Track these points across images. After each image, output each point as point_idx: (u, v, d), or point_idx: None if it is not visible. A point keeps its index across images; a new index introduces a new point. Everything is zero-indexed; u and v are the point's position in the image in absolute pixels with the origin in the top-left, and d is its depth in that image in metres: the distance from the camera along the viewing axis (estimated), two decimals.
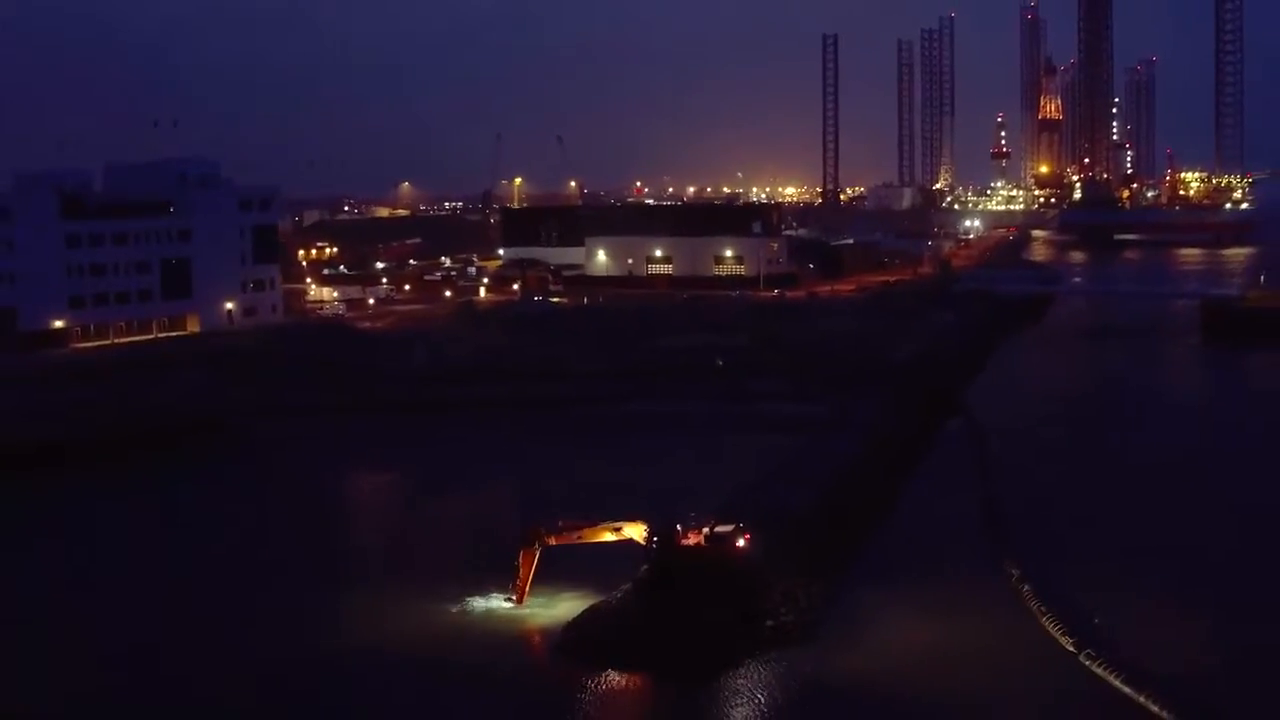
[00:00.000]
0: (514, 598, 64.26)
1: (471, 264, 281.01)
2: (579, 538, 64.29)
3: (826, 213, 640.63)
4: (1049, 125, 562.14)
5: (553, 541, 64.22)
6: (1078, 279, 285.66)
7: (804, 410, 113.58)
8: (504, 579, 66.61)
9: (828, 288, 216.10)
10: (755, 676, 58.29)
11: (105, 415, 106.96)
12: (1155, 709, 51.76)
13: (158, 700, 57.68)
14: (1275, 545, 79.56)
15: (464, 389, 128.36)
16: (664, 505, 68.45)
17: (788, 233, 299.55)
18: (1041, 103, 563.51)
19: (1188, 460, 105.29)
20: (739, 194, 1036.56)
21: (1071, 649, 58.04)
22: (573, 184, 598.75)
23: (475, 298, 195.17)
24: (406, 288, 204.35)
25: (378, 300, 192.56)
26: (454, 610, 65.35)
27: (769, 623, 61.31)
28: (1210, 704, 52.58)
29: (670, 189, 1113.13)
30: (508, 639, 62.31)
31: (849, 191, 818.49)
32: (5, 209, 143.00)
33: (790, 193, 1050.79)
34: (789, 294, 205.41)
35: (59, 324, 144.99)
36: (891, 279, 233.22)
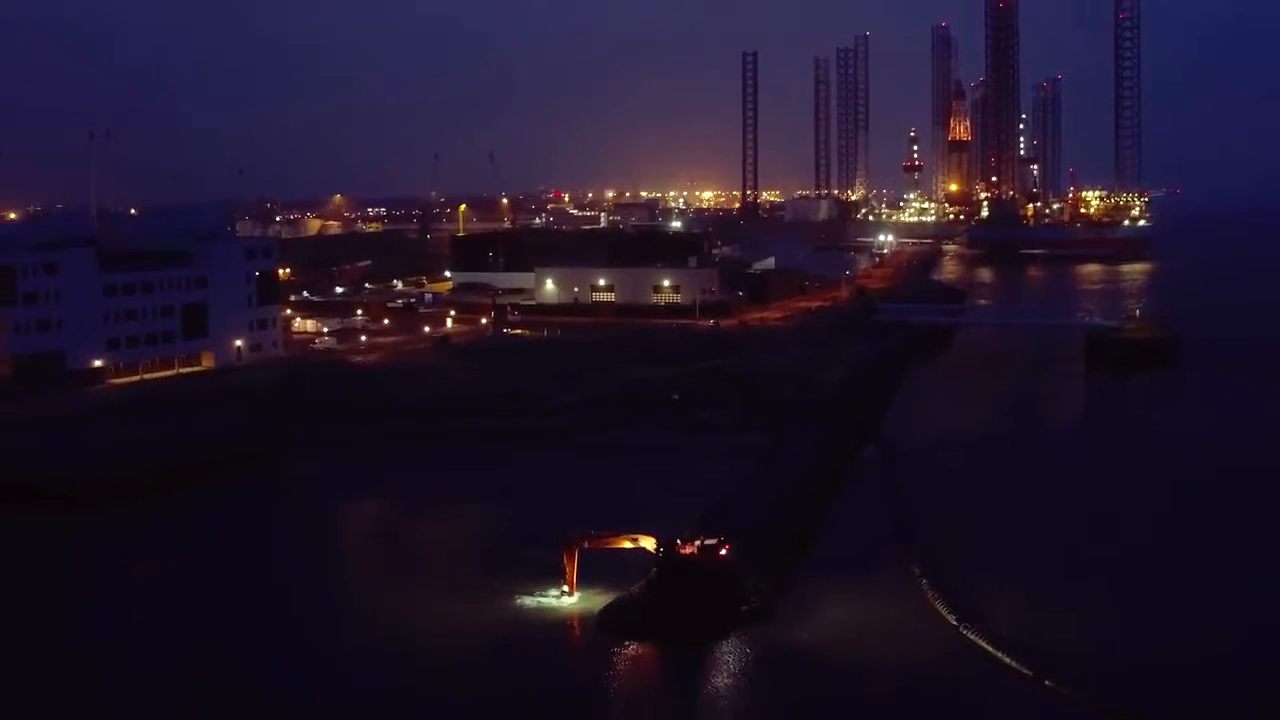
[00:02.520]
0: (567, 591, 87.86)
1: (423, 287, 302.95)
2: (606, 544, 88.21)
3: (746, 222, 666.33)
4: (959, 145, 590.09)
5: (587, 546, 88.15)
6: (982, 302, 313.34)
7: (748, 439, 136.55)
8: (542, 577, 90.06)
9: (757, 316, 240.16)
10: (734, 645, 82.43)
11: (179, 447, 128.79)
12: (1009, 662, 76.59)
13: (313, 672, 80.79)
14: (1121, 541, 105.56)
15: (458, 422, 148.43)
16: (657, 523, 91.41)
17: (715, 251, 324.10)
18: (951, 124, 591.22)
19: (1061, 473, 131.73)
20: (658, 198, 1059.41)
21: (953, 623, 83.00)
22: (505, 201, 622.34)
23: (448, 329, 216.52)
24: (386, 321, 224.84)
25: (354, 331, 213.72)
26: (515, 603, 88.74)
27: (743, 608, 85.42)
28: (1053, 658, 77.13)
29: (590, 195, 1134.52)
30: (558, 622, 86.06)
31: (766, 195, 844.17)
32: (54, 264, 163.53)
33: (708, 197, 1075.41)
34: (723, 323, 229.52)
35: (98, 364, 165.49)
36: (814, 305, 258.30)
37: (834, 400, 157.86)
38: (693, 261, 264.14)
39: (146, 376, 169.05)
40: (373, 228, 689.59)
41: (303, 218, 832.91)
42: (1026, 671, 74.84)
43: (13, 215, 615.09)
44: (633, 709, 77.60)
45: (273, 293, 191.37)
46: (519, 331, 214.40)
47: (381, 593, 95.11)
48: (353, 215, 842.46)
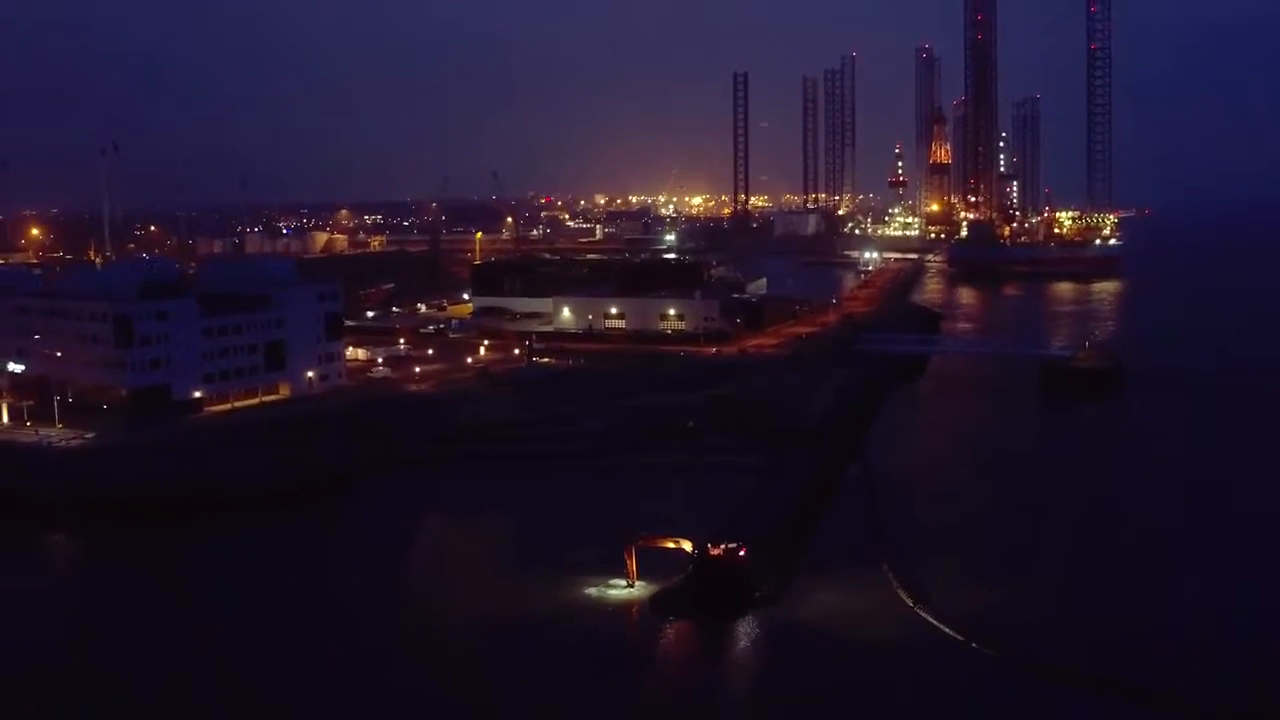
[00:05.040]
0: (630, 581, 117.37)
1: (444, 310, 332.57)
2: (655, 544, 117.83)
3: (737, 235, 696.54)
4: (939, 168, 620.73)
5: (641, 544, 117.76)
6: (962, 325, 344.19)
7: (751, 460, 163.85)
8: (602, 572, 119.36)
9: (754, 343, 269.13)
10: (750, 622, 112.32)
11: (293, 469, 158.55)
12: (948, 631, 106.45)
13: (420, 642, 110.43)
14: (1049, 544, 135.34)
15: (506, 445, 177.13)
16: (684, 532, 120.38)
17: (712, 272, 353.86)
18: (932, 148, 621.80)
19: (1006, 487, 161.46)
20: (649, 204, 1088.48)
21: (910, 604, 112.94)
22: (509, 219, 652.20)
23: (485, 358, 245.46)
24: (430, 351, 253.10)
25: (405, 360, 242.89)
26: (586, 591, 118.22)
27: (756, 594, 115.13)
28: (981, 628, 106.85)
29: (582, 201, 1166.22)
30: (620, 606, 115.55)
31: (755, 200, 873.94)
32: (164, 312, 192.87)
33: (697, 202, 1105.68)
34: (724, 350, 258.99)
35: (198, 394, 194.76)
36: (804, 332, 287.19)
37: (823, 426, 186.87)
38: (698, 294, 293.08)
39: (236, 405, 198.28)
40: (377, 242, 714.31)
41: (304, 224, 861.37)
42: (960, 637, 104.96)
43: (34, 230, 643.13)
44: (677, 667, 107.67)
45: (338, 329, 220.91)
46: (546, 360, 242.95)
47: (472, 585, 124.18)
48: (353, 224, 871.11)
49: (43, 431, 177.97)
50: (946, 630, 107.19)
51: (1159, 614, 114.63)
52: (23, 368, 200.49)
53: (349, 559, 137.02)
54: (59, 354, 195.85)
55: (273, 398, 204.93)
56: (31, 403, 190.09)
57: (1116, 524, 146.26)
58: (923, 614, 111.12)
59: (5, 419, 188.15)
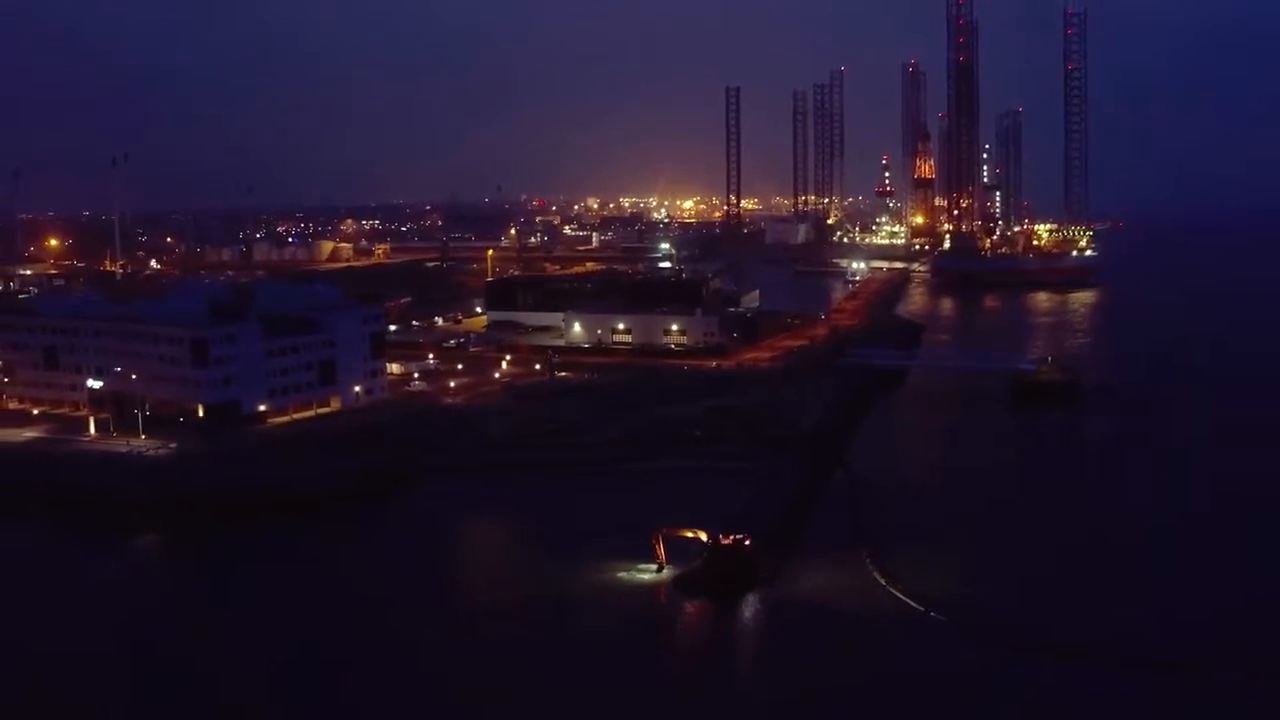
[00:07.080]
0: (661, 566, 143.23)
1: (459, 323, 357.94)
2: (678, 534, 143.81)
3: (729, 241, 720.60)
4: (923, 183, 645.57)
5: (665, 533, 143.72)
6: (943, 336, 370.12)
7: (752, 466, 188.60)
8: (633, 559, 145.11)
9: (751, 356, 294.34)
10: (754, 599, 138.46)
11: (359, 474, 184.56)
12: (912, 604, 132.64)
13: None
14: (1017, 534, 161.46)
15: (534, 452, 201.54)
16: (700, 524, 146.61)
17: (711, 280, 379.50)
18: (917, 164, 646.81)
19: (969, 488, 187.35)
20: (641, 209, 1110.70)
21: (883, 583, 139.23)
22: (514, 230, 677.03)
23: (509, 371, 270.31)
24: (459, 366, 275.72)
25: (438, 374, 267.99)
26: (619, 574, 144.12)
27: (760, 577, 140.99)
28: (938, 602, 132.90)
29: (576, 207, 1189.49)
30: (648, 587, 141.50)
31: (746, 203, 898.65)
32: (233, 335, 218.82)
33: (688, 206, 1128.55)
34: (723, 363, 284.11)
35: (262, 408, 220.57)
36: (796, 344, 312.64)
37: (814, 434, 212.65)
38: (698, 311, 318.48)
39: (294, 417, 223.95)
40: (381, 250, 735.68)
41: (304, 229, 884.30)
42: (921, 609, 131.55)
43: (53, 241, 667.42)
44: (696, 633, 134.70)
45: (380, 347, 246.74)
46: (565, 374, 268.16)
47: (519, 571, 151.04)
48: (354, 230, 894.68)
49: (132, 442, 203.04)
50: (912, 604, 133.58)
51: (1095, 591, 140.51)
52: (100, 384, 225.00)
53: (409, 551, 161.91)
54: (135, 373, 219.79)
55: (325, 410, 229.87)
56: (109, 416, 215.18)
57: (1067, 517, 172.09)
58: (894, 591, 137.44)
59: (93, 431, 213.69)
